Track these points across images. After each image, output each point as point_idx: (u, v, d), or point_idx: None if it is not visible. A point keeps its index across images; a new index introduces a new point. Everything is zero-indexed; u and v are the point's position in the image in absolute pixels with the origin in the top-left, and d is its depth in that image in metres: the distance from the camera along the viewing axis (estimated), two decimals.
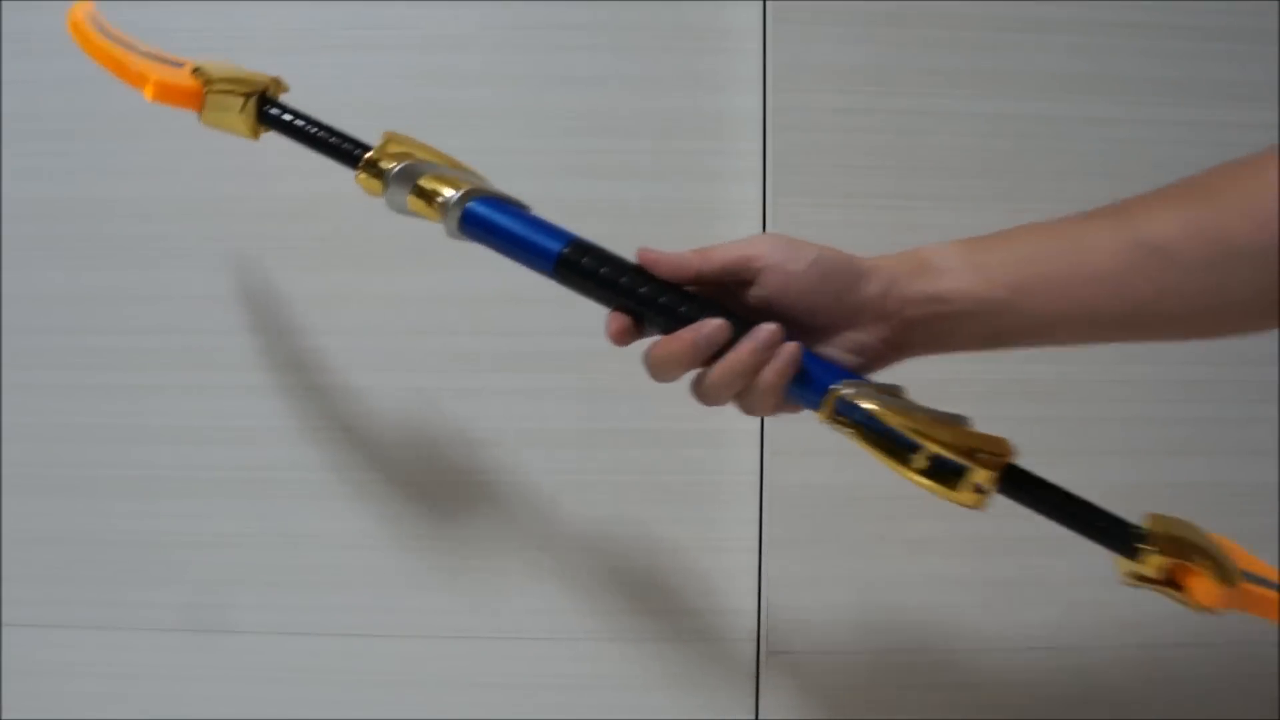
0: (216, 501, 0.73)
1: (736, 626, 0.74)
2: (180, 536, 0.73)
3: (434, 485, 0.74)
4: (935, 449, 0.45)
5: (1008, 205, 0.74)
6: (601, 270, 0.49)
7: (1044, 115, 0.75)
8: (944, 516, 0.69)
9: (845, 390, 0.46)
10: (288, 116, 0.57)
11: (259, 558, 0.74)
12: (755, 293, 0.48)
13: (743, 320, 0.47)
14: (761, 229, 0.73)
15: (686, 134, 0.74)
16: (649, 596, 0.74)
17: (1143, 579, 0.47)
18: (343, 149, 0.54)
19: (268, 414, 0.73)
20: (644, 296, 0.48)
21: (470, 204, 0.51)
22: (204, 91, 0.57)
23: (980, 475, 0.45)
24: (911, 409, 0.46)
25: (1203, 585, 0.46)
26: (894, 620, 0.75)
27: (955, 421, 0.46)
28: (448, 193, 0.51)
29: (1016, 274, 0.47)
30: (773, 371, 0.46)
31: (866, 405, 0.46)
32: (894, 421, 0.45)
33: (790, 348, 0.46)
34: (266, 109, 0.57)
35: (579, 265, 0.49)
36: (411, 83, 0.74)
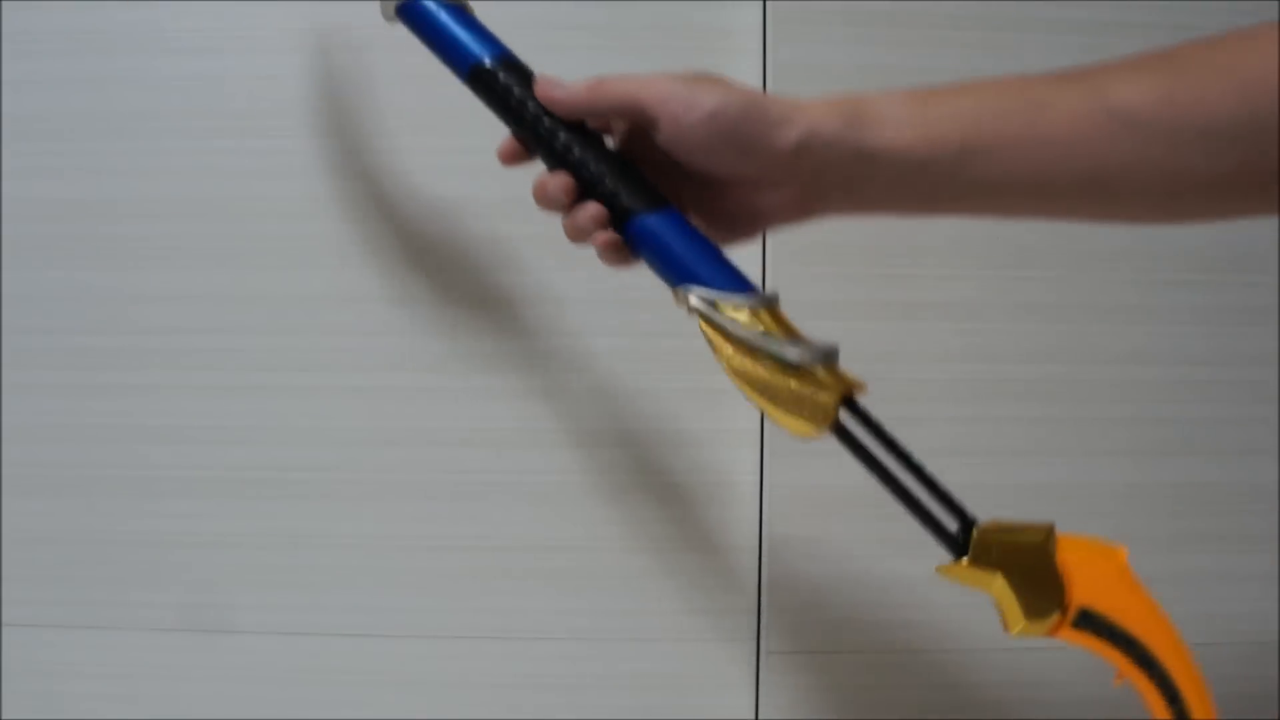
0: (216, 501, 0.73)
1: (736, 626, 0.74)
2: (180, 536, 0.73)
3: (433, 485, 0.74)
4: (755, 399, 0.43)
5: None
6: (512, 91, 0.49)
7: None
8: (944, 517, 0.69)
9: (693, 300, 0.44)
10: None
11: (259, 558, 0.73)
12: (657, 137, 0.45)
13: (641, 167, 0.47)
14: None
15: None
16: (649, 596, 0.74)
17: (951, 575, 0.45)
18: None
19: (268, 414, 0.73)
20: (532, 127, 0.48)
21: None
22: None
23: (799, 427, 0.43)
24: (751, 341, 0.43)
25: (1005, 611, 0.44)
26: (894, 620, 0.75)
27: (802, 365, 0.43)
28: None
29: (966, 132, 0.42)
30: (599, 250, 0.46)
31: (705, 328, 0.44)
32: (724, 355, 0.44)
33: (602, 239, 0.46)
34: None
35: (491, 82, 0.49)
36: (412, 83, 0.73)
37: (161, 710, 0.73)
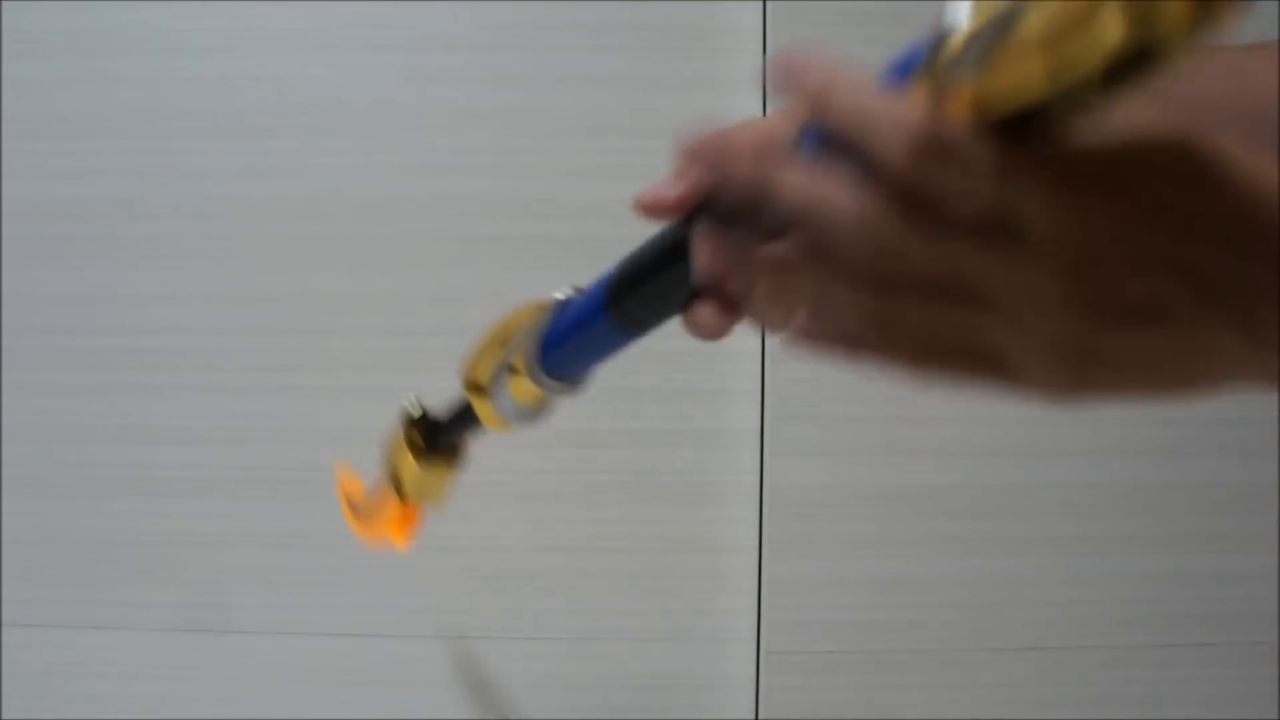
0: (216, 501, 0.73)
1: (736, 626, 0.74)
2: (180, 536, 0.73)
3: None
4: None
5: None
6: (649, 278, 0.38)
7: None
8: (944, 516, 0.69)
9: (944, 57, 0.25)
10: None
11: (259, 558, 0.74)
12: None
13: None
14: None
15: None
16: (649, 596, 0.74)
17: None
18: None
19: (268, 414, 0.73)
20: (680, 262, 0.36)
21: (536, 358, 0.44)
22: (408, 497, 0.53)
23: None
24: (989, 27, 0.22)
25: None
26: (894, 620, 0.75)
27: None
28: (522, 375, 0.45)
29: None
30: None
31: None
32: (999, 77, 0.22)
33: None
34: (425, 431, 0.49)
35: (627, 294, 0.40)
36: (411, 83, 0.74)
37: (161, 710, 0.73)
